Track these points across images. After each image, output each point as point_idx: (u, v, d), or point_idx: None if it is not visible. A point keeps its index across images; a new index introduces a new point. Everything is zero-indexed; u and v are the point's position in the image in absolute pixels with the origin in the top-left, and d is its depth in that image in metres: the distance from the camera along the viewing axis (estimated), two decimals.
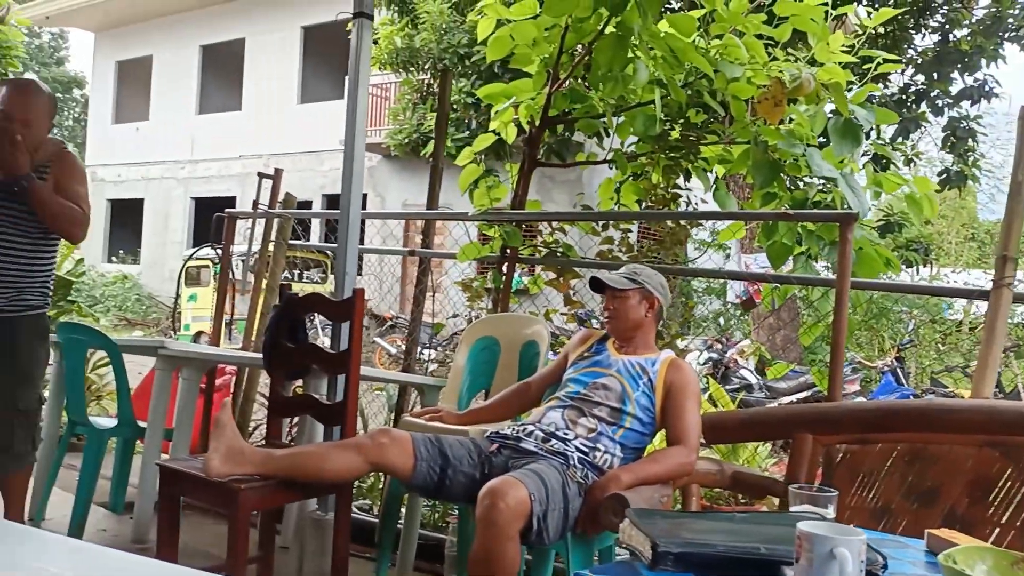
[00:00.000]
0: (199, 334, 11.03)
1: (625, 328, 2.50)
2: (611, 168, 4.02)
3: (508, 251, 3.47)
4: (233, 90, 17.07)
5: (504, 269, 3.48)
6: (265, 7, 16.18)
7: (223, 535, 3.18)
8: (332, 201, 14.92)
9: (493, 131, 3.67)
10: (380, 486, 3.62)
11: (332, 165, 15.18)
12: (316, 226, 13.27)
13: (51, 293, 2.80)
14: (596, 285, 2.52)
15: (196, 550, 2.99)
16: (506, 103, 3.62)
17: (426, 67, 10.06)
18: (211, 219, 15.95)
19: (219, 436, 2.21)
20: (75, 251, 5.50)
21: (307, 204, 14.44)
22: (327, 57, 15.98)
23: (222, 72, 17.45)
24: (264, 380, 4.25)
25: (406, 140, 11.42)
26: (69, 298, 5.18)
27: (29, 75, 6.72)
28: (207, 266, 11.61)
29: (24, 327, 2.64)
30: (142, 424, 3.20)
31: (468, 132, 9.77)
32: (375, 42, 11.53)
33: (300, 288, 10.14)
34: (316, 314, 4.66)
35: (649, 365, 2.46)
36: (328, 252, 10.09)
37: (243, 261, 10.53)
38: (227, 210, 4.35)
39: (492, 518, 1.91)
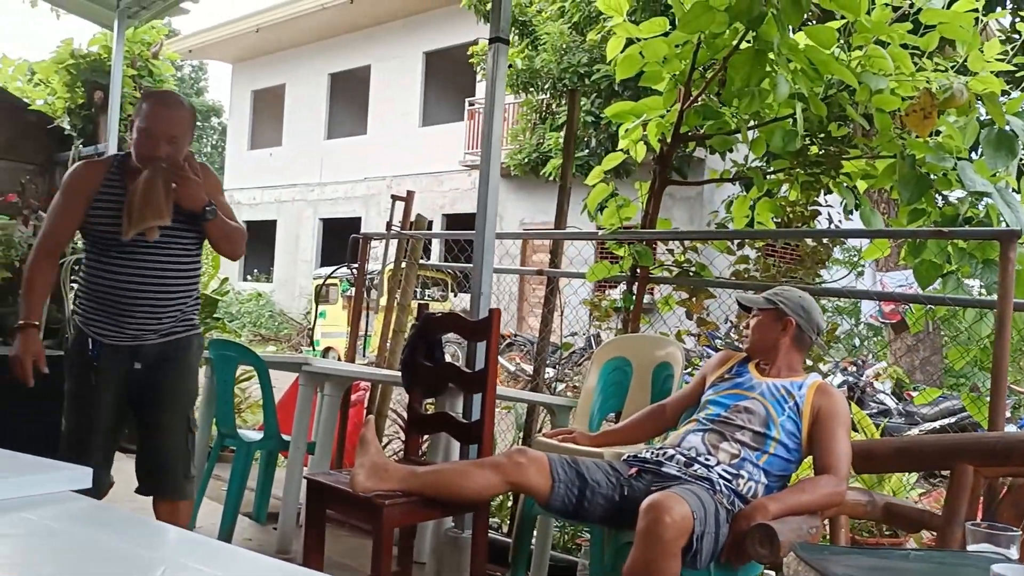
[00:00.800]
0: (328, 350, 11.43)
1: (758, 348, 2.45)
2: (734, 184, 3.92)
3: (639, 270, 3.43)
4: (359, 115, 17.72)
5: (634, 289, 3.44)
6: (389, 35, 16.75)
7: (359, 548, 3.28)
8: (451, 221, 15.22)
9: (622, 150, 3.65)
10: (508, 505, 3.63)
11: (451, 185, 15.49)
12: (434, 245, 13.56)
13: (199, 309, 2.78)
14: (740, 307, 2.48)
15: (335, 562, 3.07)
16: (635, 121, 3.59)
17: (546, 88, 10.14)
18: (337, 239, 16.44)
19: (364, 452, 2.27)
20: (219, 270, 5.83)
21: (428, 224, 14.75)
22: (446, 81, 16.37)
23: (349, 98, 18.15)
24: (396, 396, 4.37)
25: (525, 160, 11.54)
26: (215, 315, 5.48)
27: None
28: (335, 284, 12.03)
29: (192, 347, 2.61)
30: (285, 437, 3.32)
31: (587, 151, 9.77)
32: None
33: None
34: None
35: (795, 389, 2.37)
36: (448, 271, 10.28)
37: (370, 280, 10.85)
38: (363, 231, 4.50)
39: (658, 533, 1.87)
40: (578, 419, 3.03)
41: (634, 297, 3.43)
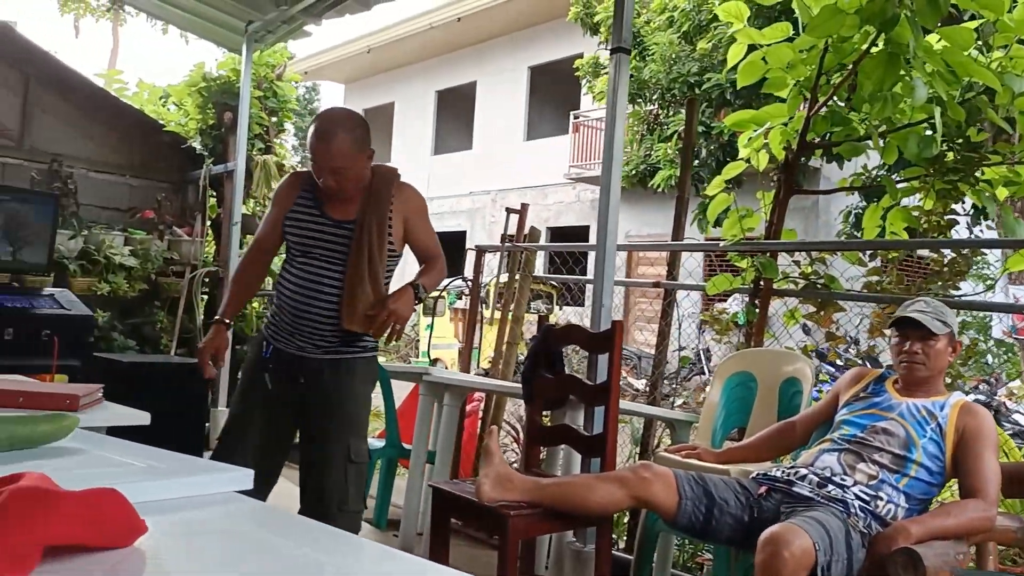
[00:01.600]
0: (436, 361, 11.62)
1: (930, 376, 2.32)
2: (852, 194, 3.77)
3: (762, 283, 3.33)
4: (465, 130, 18.02)
5: (757, 302, 3.35)
6: (495, 51, 16.99)
7: (477, 558, 3.30)
8: (556, 234, 15.25)
9: (743, 159, 3.57)
10: (625, 520, 3.59)
11: (555, 199, 15.53)
12: (539, 257, 13.59)
13: None
14: (902, 323, 2.33)
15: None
16: (757, 130, 3.51)
17: (654, 98, 10.04)
18: (444, 253, 16.63)
19: (488, 463, 2.29)
20: None
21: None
22: (551, 95, 16.46)
23: (455, 114, 18.50)
24: (509, 408, 4.40)
25: (632, 172, 11.46)
26: None
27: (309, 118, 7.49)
28: (443, 297, 12.23)
29: (358, 370, 2.47)
30: (404, 446, 3.39)
31: (697, 161, 9.62)
32: (596, 76, 11.71)
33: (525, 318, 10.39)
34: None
35: (937, 409, 2.25)
36: (554, 283, 10.29)
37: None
38: (467, 244, 4.57)
39: (775, 568, 1.81)
40: (700, 435, 2.97)
41: (757, 310, 3.33)
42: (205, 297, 5.82)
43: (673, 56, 9.61)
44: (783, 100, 3.44)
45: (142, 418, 1.89)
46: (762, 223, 3.48)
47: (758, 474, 2.33)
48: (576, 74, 12.23)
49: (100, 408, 1.90)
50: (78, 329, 3.86)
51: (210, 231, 5.86)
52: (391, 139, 19.62)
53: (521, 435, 3.98)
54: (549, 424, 2.95)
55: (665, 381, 4.18)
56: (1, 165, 5.10)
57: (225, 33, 5.27)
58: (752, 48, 3.38)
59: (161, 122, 5.95)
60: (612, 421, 2.47)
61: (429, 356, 9.68)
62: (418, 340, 14.72)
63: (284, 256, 2.57)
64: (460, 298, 13.25)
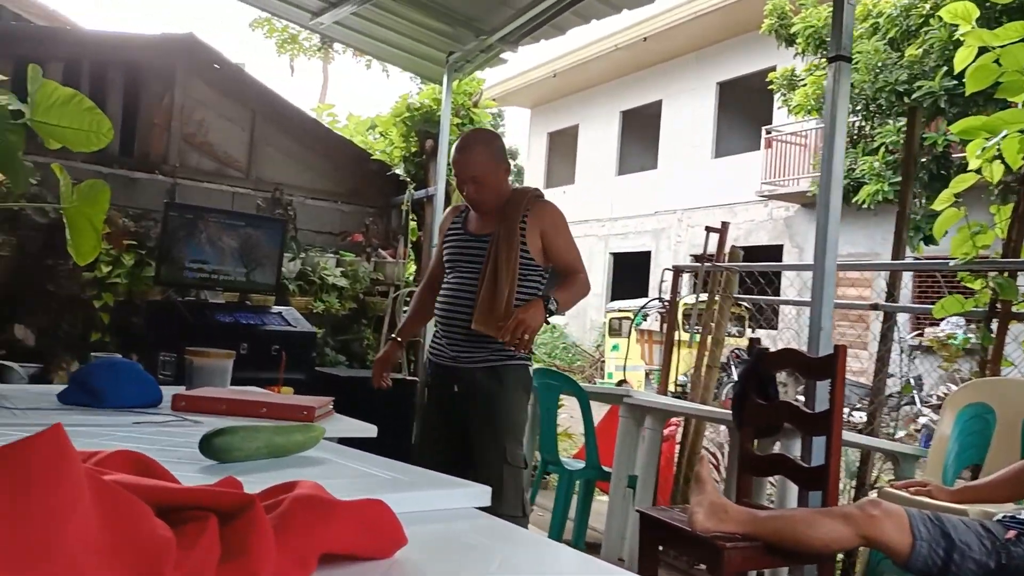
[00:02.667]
0: (621, 382, 11.53)
1: None
2: None
3: (999, 305, 3.03)
4: (650, 150, 17.88)
5: (993, 325, 3.05)
6: (681, 68, 16.77)
7: None
8: (746, 254, 14.72)
9: (975, 170, 3.27)
10: (838, 558, 3.35)
11: (746, 217, 15.03)
12: None
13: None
14: None
15: None
16: (991, 139, 3.20)
17: (858, 109, 9.47)
18: (627, 272, 16.55)
19: (701, 491, 2.21)
20: None
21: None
22: (741, 110, 15.99)
23: (640, 134, 18.40)
24: (707, 434, 4.26)
25: None
26: None
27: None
28: (628, 318, 12.14)
29: (509, 377, 2.58)
30: (604, 469, 3.36)
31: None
32: (792, 88, 11.22)
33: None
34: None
35: None
36: (746, 305, 9.92)
37: (660, 314, 10.78)
38: (652, 264, 4.49)
39: None
40: (929, 470, 2.73)
41: (992, 335, 3.03)
42: (406, 316, 6.10)
43: (879, 64, 9.03)
44: (1018, 105, 3.12)
45: (369, 430, 1.99)
46: (996, 239, 3.17)
47: (1004, 516, 2.10)
48: (769, 88, 11.79)
49: (332, 420, 2.02)
50: (302, 345, 4.18)
51: (411, 252, 6.15)
52: (575, 161, 19.83)
53: (722, 463, 3.84)
54: (758, 453, 2.81)
55: (885, 411, 3.90)
56: (232, 194, 5.62)
57: (427, 64, 5.53)
58: (983, 51, 3.10)
59: (369, 151, 6.34)
60: (835, 452, 2.32)
61: (622, 376, 9.60)
62: (603, 361, 14.69)
63: None
64: (645, 319, 13.11)
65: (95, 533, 0.63)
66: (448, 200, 5.91)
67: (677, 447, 4.05)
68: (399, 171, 6.12)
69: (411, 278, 6.12)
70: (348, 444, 1.65)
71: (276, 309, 4.46)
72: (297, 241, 5.49)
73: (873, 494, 2.72)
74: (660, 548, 2.47)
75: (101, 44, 5.23)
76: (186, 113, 5.50)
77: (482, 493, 1.22)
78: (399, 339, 2.92)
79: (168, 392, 1.99)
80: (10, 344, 4.47)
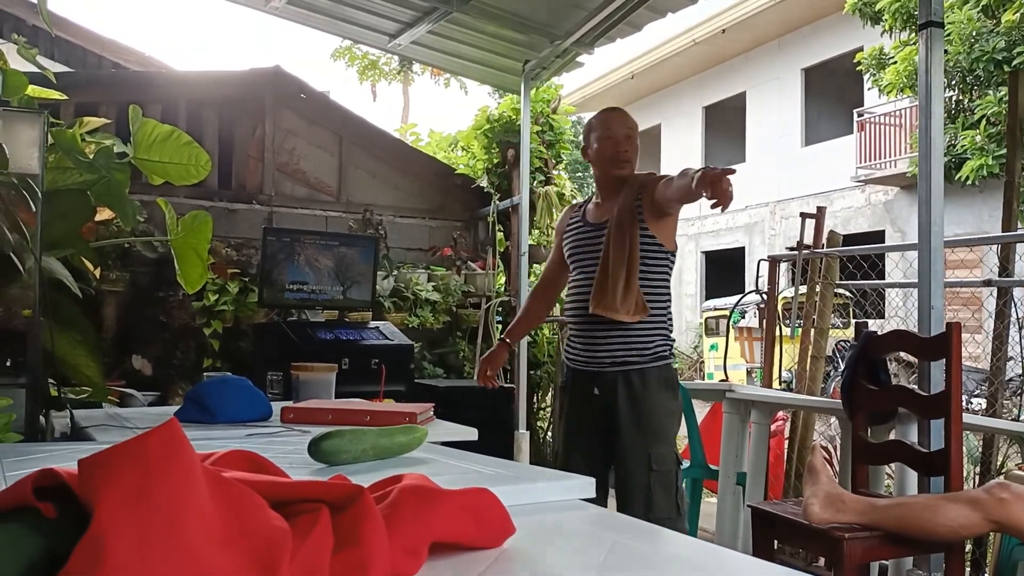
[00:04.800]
0: (723, 382, 11.29)
1: None
2: None
3: None
4: (736, 143, 17.51)
5: None
6: (763, 57, 16.38)
7: None
8: (847, 242, 14.21)
9: None
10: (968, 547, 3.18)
11: (842, 204, 14.52)
12: None
13: (673, 342, 2.59)
14: None
15: None
16: None
17: (953, 83, 9.05)
18: (719, 270, 16.22)
19: (815, 481, 2.14)
20: None
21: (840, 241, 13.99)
22: (829, 95, 15.49)
23: (724, 128, 18.05)
24: (817, 427, 4.11)
25: None
26: None
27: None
28: (724, 316, 11.88)
29: (651, 378, 2.46)
30: (711, 467, 3.28)
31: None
32: (882, 68, 10.80)
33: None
34: None
35: None
36: (848, 294, 9.55)
37: (759, 308, 10.50)
38: (747, 259, 4.37)
39: None
40: None
41: None
42: (499, 325, 6.13)
43: (974, 33, 8.61)
44: None
45: (470, 433, 2.01)
46: None
47: None
48: (857, 69, 11.39)
49: (434, 424, 2.05)
50: (400, 358, 4.27)
51: (500, 263, 6.20)
52: (659, 162, 19.59)
53: (835, 456, 3.70)
54: (872, 441, 2.70)
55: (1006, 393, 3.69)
56: (325, 218, 5.79)
57: (503, 75, 5.57)
58: None
59: (452, 167, 6.43)
60: (955, 435, 2.20)
61: (723, 376, 9.41)
62: (702, 362, 14.40)
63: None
64: (743, 316, 12.78)
65: (214, 524, 0.66)
66: (533, 208, 5.93)
67: (786, 443, 3.92)
68: (483, 183, 6.18)
69: (502, 289, 6.16)
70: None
71: (373, 324, 4.58)
72: (389, 259, 5.61)
73: (1000, 479, 2.58)
74: (775, 544, 2.39)
75: (194, 83, 5.49)
76: (277, 143, 5.71)
77: (587, 484, 1.21)
78: (507, 340, 2.88)
79: (278, 406, 2.06)
80: (129, 375, 4.71)
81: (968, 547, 3.11)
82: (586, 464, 2.44)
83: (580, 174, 33.08)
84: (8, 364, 2.67)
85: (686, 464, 3.43)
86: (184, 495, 0.63)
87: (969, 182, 9.16)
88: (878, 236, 13.53)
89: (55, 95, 3.02)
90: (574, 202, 2.89)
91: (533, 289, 2.93)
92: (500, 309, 6.06)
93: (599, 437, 2.53)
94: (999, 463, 3.28)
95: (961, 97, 9.40)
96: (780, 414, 4.07)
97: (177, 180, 3.01)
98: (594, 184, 2.72)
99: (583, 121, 36.88)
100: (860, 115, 13.88)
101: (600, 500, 2.36)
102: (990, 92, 8.96)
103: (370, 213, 5.76)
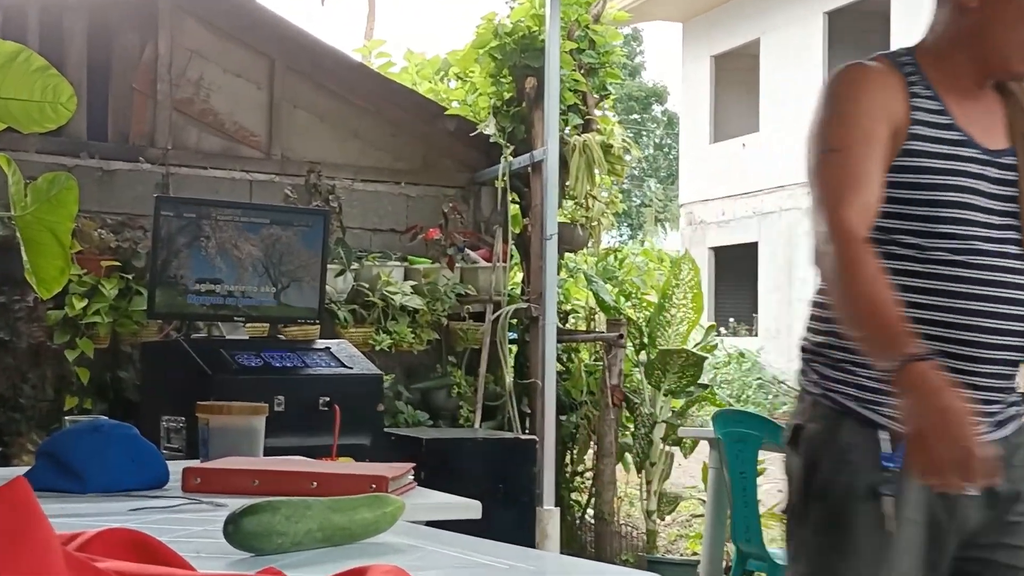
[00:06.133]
0: None
1: None
2: None
3: None
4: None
5: None
6: None
7: None
8: None
9: None
10: None
11: None
12: None
13: None
14: None
15: None
16: None
17: None
18: None
19: None
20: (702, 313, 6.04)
21: None
22: None
23: (859, 42, 18.00)
24: None
25: None
26: (701, 381, 5.67)
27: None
28: None
29: None
30: None
31: None
32: None
33: None
34: None
35: None
36: None
37: None
38: None
39: None
40: None
41: None
42: (513, 347, 6.08)
43: None
44: None
45: (470, 509, 2.01)
46: None
47: None
48: None
49: (415, 494, 2.05)
50: (363, 395, 4.25)
51: (514, 251, 6.16)
52: (758, 97, 19.54)
53: None
54: None
55: None
56: (249, 182, 5.80)
57: None
58: None
59: (441, 104, 6.42)
60: None
61: None
62: None
63: None
64: None
65: None
66: (564, 167, 5.87)
67: None
68: (488, 130, 6.14)
69: (517, 290, 6.12)
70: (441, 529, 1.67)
71: (323, 344, 4.56)
72: (346, 245, 5.60)
73: None
74: None
75: None
76: (177, 70, 5.71)
77: None
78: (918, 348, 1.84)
79: (177, 467, 2.07)
80: None
81: None
82: None
83: (636, 115, 32.83)
84: None
85: None
86: None
87: None
88: None
89: None
90: (878, 62, 2.38)
91: (856, 236, 1.92)
92: (516, 322, 6.04)
93: None
94: None
95: None
96: None
97: (26, 126, 3.00)
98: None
99: (640, 36, 36.47)
100: None
101: None
102: None
103: (317, 175, 5.76)
